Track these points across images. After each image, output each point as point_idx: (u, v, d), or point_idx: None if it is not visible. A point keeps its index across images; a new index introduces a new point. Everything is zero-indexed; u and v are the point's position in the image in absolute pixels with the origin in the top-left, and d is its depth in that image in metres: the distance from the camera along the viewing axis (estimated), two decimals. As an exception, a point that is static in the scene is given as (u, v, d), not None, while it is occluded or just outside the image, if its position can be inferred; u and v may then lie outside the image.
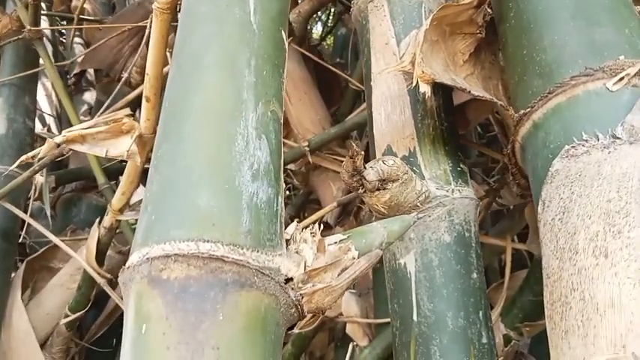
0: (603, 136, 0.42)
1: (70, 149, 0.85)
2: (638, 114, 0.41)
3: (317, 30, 2.14)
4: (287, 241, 0.36)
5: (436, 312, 0.49)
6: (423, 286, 0.50)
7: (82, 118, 1.33)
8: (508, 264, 0.67)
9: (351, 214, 0.99)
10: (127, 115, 0.66)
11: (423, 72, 0.49)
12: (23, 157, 0.66)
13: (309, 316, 0.89)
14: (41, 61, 1.13)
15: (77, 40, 1.62)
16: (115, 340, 1.06)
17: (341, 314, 0.87)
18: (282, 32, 0.43)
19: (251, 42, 0.40)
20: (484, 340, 0.49)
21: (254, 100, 0.38)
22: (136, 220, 0.87)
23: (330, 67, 1.19)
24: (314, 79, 1.20)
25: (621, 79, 0.43)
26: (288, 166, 1.08)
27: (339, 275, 0.36)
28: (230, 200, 0.33)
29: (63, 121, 1.60)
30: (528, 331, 0.66)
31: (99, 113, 0.90)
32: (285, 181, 0.52)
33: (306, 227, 0.37)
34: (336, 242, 0.37)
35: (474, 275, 0.51)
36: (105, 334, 1.02)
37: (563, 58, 0.47)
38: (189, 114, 0.37)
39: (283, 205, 0.37)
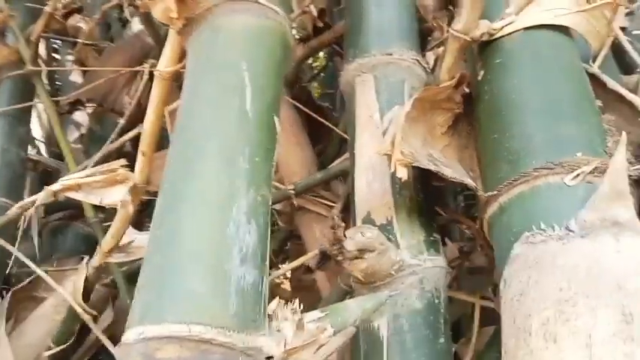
0: (559, 227, 0.46)
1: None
2: (590, 210, 0.46)
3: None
4: (269, 316, 0.40)
5: (405, 377, 0.53)
6: (394, 349, 0.54)
7: (72, 145, 1.36)
8: (476, 320, 0.71)
9: (332, 258, 1.03)
10: (122, 166, 0.70)
11: (402, 153, 0.53)
12: (20, 204, 0.69)
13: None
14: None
15: (70, 57, 1.65)
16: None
17: None
18: (275, 118, 0.47)
19: (246, 130, 0.44)
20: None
21: (246, 186, 0.42)
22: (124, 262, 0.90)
23: (319, 108, 1.24)
24: (303, 119, 1.25)
25: (577, 175, 0.48)
26: (274, 206, 1.12)
27: (315, 352, 0.39)
28: (219, 285, 0.37)
29: (52, 144, 1.62)
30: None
31: (94, 162, 0.93)
32: (270, 221, 0.56)
33: (287, 303, 0.41)
34: (314, 320, 0.41)
35: (441, 340, 0.55)
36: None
37: (529, 148, 0.52)
38: (186, 200, 0.40)
39: (267, 285, 0.41)
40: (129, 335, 0.36)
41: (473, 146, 0.68)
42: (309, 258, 0.91)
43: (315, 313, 0.42)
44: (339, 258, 0.54)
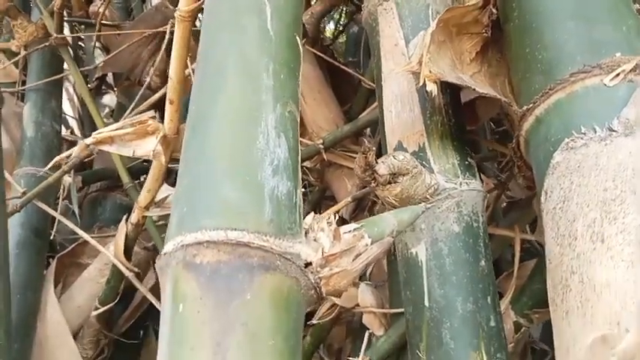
0: (600, 129, 0.44)
1: (99, 150, 0.90)
2: (633, 107, 0.44)
3: (330, 28, 2.17)
4: (305, 230, 0.40)
5: (446, 297, 0.52)
6: (434, 273, 0.53)
7: (105, 120, 1.38)
8: (517, 253, 0.70)
9: (365, 209, 1.02)
10: (152, 117, 0.70)
11: (430, 71, 0.52)
12: (57, 159, 0.70)
13: (327, 306, 0.93)
14: (65, 66, 1.19)
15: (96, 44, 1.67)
16: (141, 332, 1.11)
17: (357, 305, 0.90)
18: (297, 37, 0.46)
19: (268, 48, 0.43)
20: (492, 324, 0.52)
21: (272, 101, 0.41)
22: (161, 216, 0.91)
23: (343, 66, 1.22)
24: (327, 79, 1.24)
25: (617, 75, 0.46)
26: (304, 164, 1.12)
27: (353, 260, 0.39)
28: (253, 193, 0.37)
29: (85, 124, 1.65)
30: (537, 317, 0.68)
31: (124, 116, 0.94)
32: (301, 179, 0.55)
33: (323, 218, 0.41)
34: (350, 231, 0.40)
35: (482, 263, 0.54)
36: (132, 327, 1.06)
37: (563, 56, 0.50)
38: (214, 116, 0.40)
39: (301, 197, 0.40)
40: (168, 246, 0.36)
41: (505, 74, 0.66)
42: (342, 207, 0.91)
43: (351, 225, 0.41)
44: (372, 184, 0.53)
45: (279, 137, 0.40)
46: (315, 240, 0.39)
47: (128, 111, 0.97)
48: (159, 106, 1.19)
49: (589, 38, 0.49)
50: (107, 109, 1.73)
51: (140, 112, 0.97)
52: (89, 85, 1.55)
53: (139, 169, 1.20)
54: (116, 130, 0.68)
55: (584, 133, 0.45)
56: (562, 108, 0.48)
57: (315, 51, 1.09)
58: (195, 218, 0.36)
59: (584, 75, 0.47)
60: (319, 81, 1.19)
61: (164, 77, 1.34)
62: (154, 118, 0.70)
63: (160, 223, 1.01)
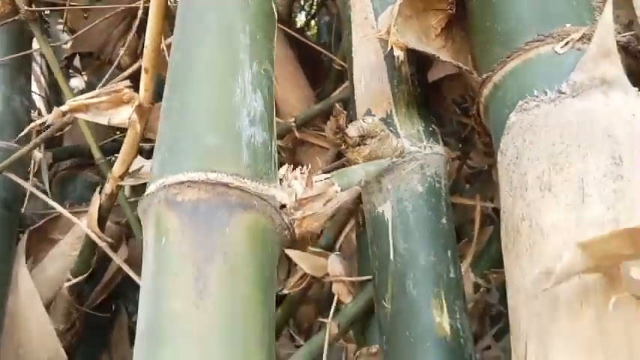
0: (551, 92, 0.48)
1: (69, 127, 0.90)
2: (580, 72, 0.48)
3: (300, 20, 2.20)
4: (280, 179, 0.43)
5: (410, 251, 0.56)
6: (399, 229, 0.57)
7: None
8: (477, 219, 0.74)
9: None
10: (127, 87, 0.72)
11: (397, 40, 0.55)
12: (32, 125, 0.71)
13: (297, 277, 0.96)
14: (34, 44, 1.18)
15: (61, 27, 1.65)
16: (112, 307, 1.12)
17: (327, 275, 0.93)
18: (272, 5, 0.49)
19: (245, 12, 0.46)
20: (452, 275, 0.56)
21: (249, 59, 0.44)
22: (133, 192, 0.92)
23: (315, 45, 1.25)
24: (299, 61, 1.26)
25: (567, 43, 0.50)
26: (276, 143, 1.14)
27: (324, 205, 0.42)
28: (232, 140, 0.39)
29: (52, 105, 1.63)
30: (495, 278, 0.73)
31: (98, 86, 0.95)
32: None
33: (296, 169, 0.44)
34: (321, 180, 0.43)
35: (444, 220, 0.58)
36: (103, 302, 1.07)
37: (519, 27, 0.54)
38: (194, 71, 0.43)
39: (276, 149, 0.43)
40: (151, 188, 0.39)
41: (468, 50, 0.70)
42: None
43: (322, 175, 0.44)
44: (343, 146, 0.56)
45: (255, 92, 0.43)
46: (289, 186, 0.41)
47: (98, 88, 0.97)
48: (132, 80, 1.20)
49: (543, 11, 0.53)
50: (75, 91, 1.71)
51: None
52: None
53: (109, 147, 1.20)
54: (91, 97, 0.69)
55: (537, 96, 0.49)
56: (518, 74, 0.52)
57: (287, 30, 1.11)
58: (177, 162, 0.38)
59: (538, 43, 0.51)
60: (291, 62, 1.22)
61: (134, 57, 1.34)
62: (129, 87, 0.71)
63: (132, 199, 1.02)
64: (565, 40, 0.50)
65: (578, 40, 0.50)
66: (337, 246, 1.01)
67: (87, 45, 1.40)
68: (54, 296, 0.97)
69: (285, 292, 0.96)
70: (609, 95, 0.46)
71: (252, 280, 0.36)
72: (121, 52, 1.35)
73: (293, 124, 1.06)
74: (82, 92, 1.59)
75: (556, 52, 0.50)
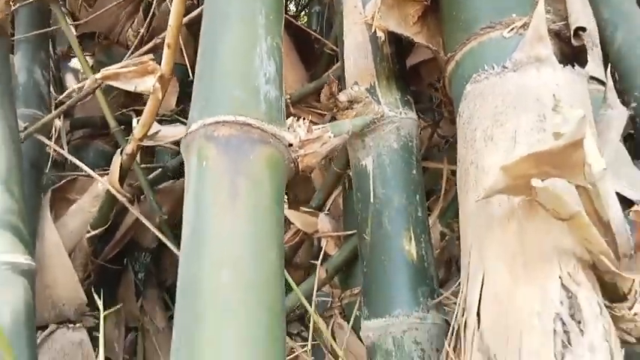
0: (497, 67, 0.62)
1: (88, 95, 1.02)
2: (520, 52, 0.62)
3: (291, 9, 2.32)
4: (287, 127, 0.56)
5: (386, 195, 0.70)
6: (378, 178, 0.71)
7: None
8: (444, 179, 0.89)
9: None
10: (151, 60, 0.84)
11: (380, 24, 0.69)
12: (75, 87, 0.83)
13: (291, 232, 1.09)
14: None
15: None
16: (124, 260, 1.24)
17: (317, 231, 1.07)
18: (281, -7, 0.62)
19: (261, -1, 0.59)
20: (419, 214, 0.70)
21: (265, 34, 0.57)
22: (145, 160, 1.05)
23: (310, 31, 1.38)
24: (294, 46, 1.39)
25: (512, 29, 0.64)
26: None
27: (321, 146, 0.56)
28: (253, 94, 0.53)
29: (57, 88, 1.74)
30: (457, 226, 0.87)
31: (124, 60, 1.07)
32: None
33: (300, 119, 0.57)
34: (319, 128, 0.57)
35: (414, 171, 0.72)
36: (116, 256, 1.20)
37: (477, 17, 0.67)
38: (223, 44, 0.55)
39: (285, 103, 0.56)
40: (192, 127, 0.51)
41: (439, 36, 0.83)
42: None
43: (318, 126, 0.58)
44: (335, 110, 0.70)
45: (270, 59, 0.56)
46: (294, 131, 0.55)
47: (124, 62, 1.09)
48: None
49: (495, 4, 0.67)
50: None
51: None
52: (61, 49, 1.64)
53: (119, 120, 1.32)
54: (121, 68, 0.82)
55: (487, 70, 0.63)
56: (474, 53, 0.66)
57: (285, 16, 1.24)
58: (212, 108, 0.51)
59: (490, 30, 0.65)
60: (287, 46, 1.34)
61: (140, 37, 1.46)
62: (152, 60, 0.84)
63: (144, 166, 1.15)
64: (511, 27, 0.64)
65: (520, 27, 0.64)
66: (326, 207, 1.15)
67: (97, 26, 1.51)
68: (74, 247, 1.09)
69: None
70: (541, 70, 0.60)
71: (268, 194, 0.49)
72: (129, 33, 1.47)
73: (288, 100, 1.18)
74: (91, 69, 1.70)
75: (504, 36, 0.64)
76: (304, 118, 0.57)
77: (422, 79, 1.05)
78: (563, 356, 0.45)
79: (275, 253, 0.48)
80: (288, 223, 1.11)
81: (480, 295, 0.52)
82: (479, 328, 0.50)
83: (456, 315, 0.55)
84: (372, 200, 0.70)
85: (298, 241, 1.08)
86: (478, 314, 0.51)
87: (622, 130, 0.64)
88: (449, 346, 0.54)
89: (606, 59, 0.74)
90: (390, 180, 0.70)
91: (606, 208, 0.47)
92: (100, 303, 0.69)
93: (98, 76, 0.81)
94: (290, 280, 0.71)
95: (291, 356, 0.91)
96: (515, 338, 0.47)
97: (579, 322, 0.46)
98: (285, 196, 1.52)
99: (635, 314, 0.53)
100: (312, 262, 1.00)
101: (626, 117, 0.65)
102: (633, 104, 0.74)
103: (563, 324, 0.46)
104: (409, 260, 0.66)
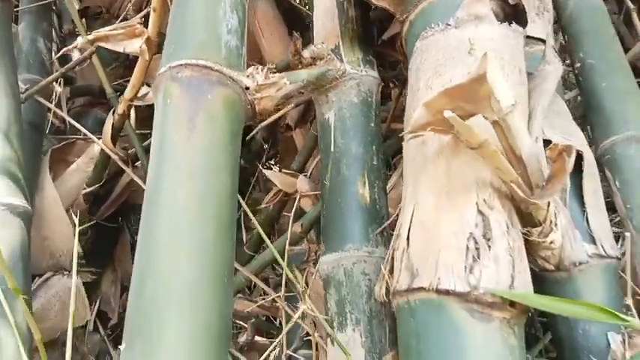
0: (442, 24, 0.69)
1: (85, 61, 1.09)
2: (461, 10, 0.68)
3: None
4: (247, 74, 0.63)
5: (345, 144, 0.77)
6: (339, 129, 0.78)
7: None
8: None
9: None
10: (139, 23, 0.91)
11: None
12: (66, 49, 0.90)
13: (272, 193, 1.17)
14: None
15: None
16: (120, 219, 1.33)
17: (296, 191, 1.14)
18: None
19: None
20: (374, 162, 0.76)
21: (229, -9, 0.64)
22: (139, 123, 1.12)
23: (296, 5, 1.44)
24: (282, 19, 1.46)
25: (457, -9, 0.70)
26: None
27: (276, 91, 0.63)
28: (215, 41, 0.60)
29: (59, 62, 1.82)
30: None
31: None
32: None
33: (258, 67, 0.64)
34: (275, 75, 0.64)
35: (372, 124, 0.78)
36: (112, 214, 1.28)
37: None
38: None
39: (245, 53, 0.63)
40: (161, 70, 0.59)
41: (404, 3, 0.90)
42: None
43: (277, 74, 0.64)
44: (299, 67, 0.77)
45: (233, 13, 0.63)
46: (253, 77, 0.62)
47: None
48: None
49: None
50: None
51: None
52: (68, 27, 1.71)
53: (117, 89, 1.40)
54: (111, 30, 0.89)
55: (433, 27, 0.69)
56: (425, 13, 0.72)
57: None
58: (179, 53, 0.59)
59: (438, -9, 0.71)
60: (276, 20, 1.41)
61: (139, 11, 1.52)
62: (140, 24, 0.91)
63: (139, 132, 1.23)
64: (456, -11, 0.70)
65: (464, -10, 0.70)
66: (309, 173, 1.22)
67: (97, 0, 1.58)
68: (72, 204, 1.18)
69: (264, 205, 1.18)
70: (479, 27, 0.66)
71: (224, 130, 0.57)
72: (128, 7, 1.54)
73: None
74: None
75: (450, -3, 0.70)
76: (264, 68, 0.64)
77: (395, 49, 1.12)
78: (472, 268, 0.52)
79: (226, 178, 0.55)
80: (271, 184, 1.19)
81: (410, 223, 0.59)
82: (407, 250, 0.57)
83: (392, 242, 0.62)
84: (332, 149, 0.77)
85: (280, 201, 1.16)
86: (408, 239, 0.58)
87: (557, 82, 0.70)
88: (384, 269, 0.61)
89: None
90: (349, 131, 0.77)
91: (517, 141, 0.54)
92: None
93: (90, 37, 0.88)
94: (263, 234, 0.78)
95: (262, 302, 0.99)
96: (435, 255, 0.54)
97: (488, 240, 0.53)
98: (276, 164, 1.60)
99: (551, 242, 0.60)
100: (286, 213, 1.07)
101: (560, 71, 0.71)
102: (577, 64, 0.80)
103: (476, 242, 0.53)
104: (362, 203, 0.73)
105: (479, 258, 0.52)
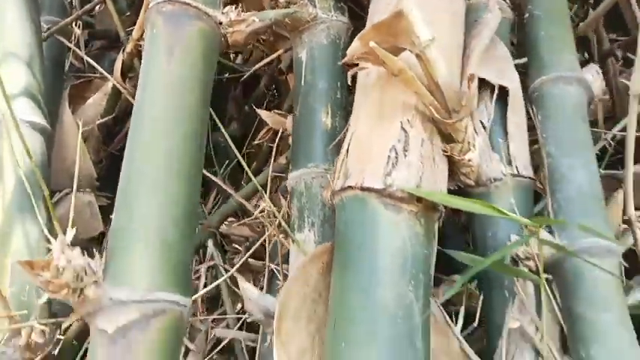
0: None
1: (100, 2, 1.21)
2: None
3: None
4: (223, 12, 0.75)
5: (313, 80, 0.89)
6: (308, 67, 0.90)
7: None
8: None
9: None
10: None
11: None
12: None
13: (265, 130, 1.30)
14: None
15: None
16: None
17: (285, 129, 1.27)
18: None
19: None
20: (338, 96, 0.88)
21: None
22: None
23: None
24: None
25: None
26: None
27: (246, 27, 0.75)
28: (194, -17, 0.72)
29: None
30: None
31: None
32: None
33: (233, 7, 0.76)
34: (246, 14, 0.76)
35: (338, 63, 0.90)
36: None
37: None
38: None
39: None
40: (150, 5, 0.71)
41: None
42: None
43: (249, 13, 0.77)
44: (276, 8, 0.88)
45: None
46: (227, 14, 0.74)
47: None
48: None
49: None
50: None
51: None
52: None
53: (129, 33, 1.53)
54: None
55: (388, -23, 0.80)
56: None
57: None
58: (163, -8, 0.71)
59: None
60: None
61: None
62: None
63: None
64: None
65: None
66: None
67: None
68: (88, 134, 1.33)
69: (257, 141, 1.31)
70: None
71: (199, 57, 0.69)
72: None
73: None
74: None
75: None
76: (237, 7, 0.76)
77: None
78: (390, 172, 0.65)
79: (198, 96, 0.68)
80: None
81: (350, 139, 0.71)
82: (346, 160, 0.70)
83: (339, 160, 0.75)
84: (302, 84, 0.89)
85: (271, 137, 1.29)
86: (347, 152, 0.71)
87: (494, 28, 0.80)
88: (330, 177, 0.75)
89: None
90: (317, 68, 0.89)
91: (435, 71, 0.66)
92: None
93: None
94: (241, 159, 0.91)
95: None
96: (363, 162, 0.67)
97: (406, 151, 0.66)
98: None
99: (469, 160, 0.72)
100: (270, 145, 1.21)
101: (499, 17, 0.81)
102: (526, 15, 0.90)
103: (396, 153, 0.66)
104: (324, 129, 0.86)
105: (396, 164, 0.65)
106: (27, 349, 0.76)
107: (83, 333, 0.97)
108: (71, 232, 0.56)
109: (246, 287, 0.73)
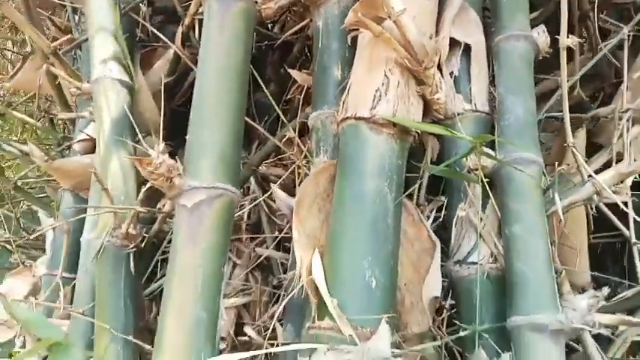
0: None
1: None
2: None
3: None
4: (259, -6, 1.04)
5: (328, 43, 1.15)
6: (324, 33, 1.17)
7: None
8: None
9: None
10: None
11: None
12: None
13: (295, 87, 1.59)
14: None
15: None
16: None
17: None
18: None
19: None
20: (346, 55, 1.15)
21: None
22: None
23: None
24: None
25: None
26: None
27: (275, 4, 1.03)
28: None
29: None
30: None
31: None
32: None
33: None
34: (276, -5, 1.04)
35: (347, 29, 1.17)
36: (184, 102, 1.76)
37: None
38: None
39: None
40: (206, -9, 1.00)
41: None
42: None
43: (277, -6, 1.04)
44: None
45: (250, -45, 1.03)
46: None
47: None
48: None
49: None
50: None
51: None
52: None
53: (185, 7, 1.83)
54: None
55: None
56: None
57: None
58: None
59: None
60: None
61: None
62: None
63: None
64: None
65: None
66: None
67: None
68: (154, 92, 1.66)
69: (289, 97, 1.60)
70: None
71: (242, 29, 0.98)
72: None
73: None
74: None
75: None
76: (269, -10, 1.04)
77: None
78: (375, 106, 0.92)
79: (243, 57, 0.98)
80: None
81: (350, 84, 0.99)
82: (346, 99, 0.98)
83: (342, 99, 1.03)
84: (320, 46, 1.17)
85: (299, 91, 1.58)
86: (348, 93, 0.99)
87: (463, -1, 1.05)
88: (337, 115, 1.03)
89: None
90: (330, 33, 1.16)
91: (407, 33, 0.92)
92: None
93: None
94: (278, 110, 1.20)
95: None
96: (358, 100, 0.95)
97: (387, 91, 0.93)
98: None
99: (438, 99, 0.99)
100: (299, 97, 1.50)
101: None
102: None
103: (380, 92, 0.93)
104: (335, 80, 1.13)
105: (380, 101, 0.93)
106: (126, 238, 1.10)
107: (158, 238, 1.31)
108: (162, 145, 0.87)
109: (277, 191, 1.03)
